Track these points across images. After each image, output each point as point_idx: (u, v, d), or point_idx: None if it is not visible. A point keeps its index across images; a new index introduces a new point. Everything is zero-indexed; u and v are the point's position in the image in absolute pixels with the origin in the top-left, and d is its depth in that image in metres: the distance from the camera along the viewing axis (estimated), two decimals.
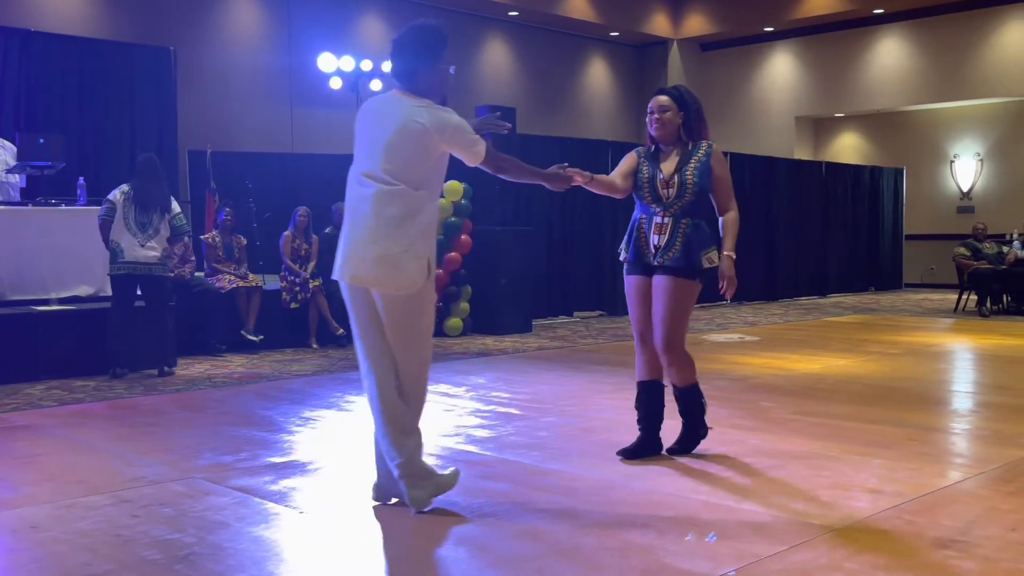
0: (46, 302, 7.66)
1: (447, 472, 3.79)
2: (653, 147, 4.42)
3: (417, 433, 3.68)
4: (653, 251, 4.32)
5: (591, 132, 17.17)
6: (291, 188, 11.04)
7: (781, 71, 18.54)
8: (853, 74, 17.57)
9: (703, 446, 4.56)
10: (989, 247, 12.54)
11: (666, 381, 4.49)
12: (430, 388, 3.91)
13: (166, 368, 7.22)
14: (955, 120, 17.37)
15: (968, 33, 16.23)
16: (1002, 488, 3.96)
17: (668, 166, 4.33)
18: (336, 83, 13.49)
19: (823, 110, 18.33)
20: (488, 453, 4.62)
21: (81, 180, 8.32)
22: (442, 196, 9.31)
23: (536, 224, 11.15)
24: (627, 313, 4.50)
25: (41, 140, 8.25)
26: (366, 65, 13.47)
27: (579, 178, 4.09)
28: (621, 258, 4.49)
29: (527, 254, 10.41)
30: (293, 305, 8.89)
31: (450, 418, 5.44)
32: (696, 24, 18.63)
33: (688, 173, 4.30)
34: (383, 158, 3.62)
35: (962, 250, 12.60)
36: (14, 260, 7.62)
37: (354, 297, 3.76)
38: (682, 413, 4.50)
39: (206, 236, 9.08)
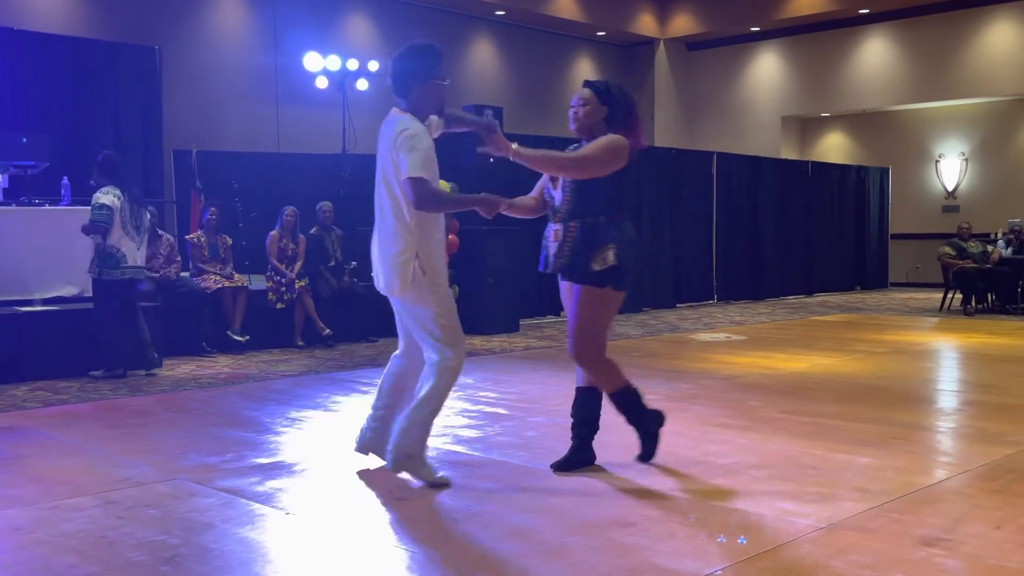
0: (30, 303, 7.61)
1: (438, 475, 4.04)
2: (575, 147, 4.18)
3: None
4: (550, 260, 4.12)
5: None
6: (277, 188, 11.01)
7: (767, 71, 18.60)
8: (839, 74, 17.65)
9: (692, 444, 4.56)
10: (974, 246, 12.61)
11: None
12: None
13: (153, 366, 7.27)
14: (940, 120, 17.46)
15: (953, 33, 16.32)
16: (987, 486, 3.98)
17: None
18: (322, 83, 13.43)
19: (809, 110, 18.40)
20: (476, 453, 4.61)
21: (65, 180, 8.26)
22: None
23: (523, 224, 11.12)
24: (612, 313, 4.39)
25: (24, 139, 8.21)
26: (352, 64, 13.41)
27: (502, 205, 4.02)
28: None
29: (514, 254, 10.41)
30: (279, 305, 8.86)
31: (438, 418, 5.41)
32: (683, 24, 18.67)
33: None
34: (378, 176, 3.99)
35: (947, 249, 12.67)
36: None
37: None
38: (628, 421, 4.28)
39: (191, 236, 9.03)
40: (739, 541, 3.25)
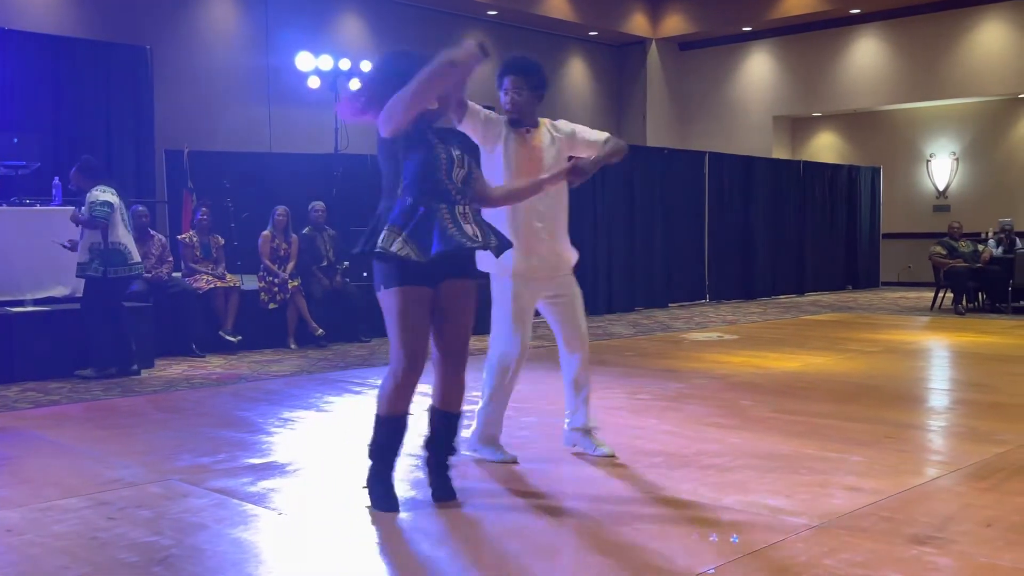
0: (21, 303, 7.58)
1: (504, 455, 4.41)
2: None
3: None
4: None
5: None
6: (269, 188, 10.98)
7: (759, 71, 18.63)
8: (831, 74, 17.69)
9: (684, 443, 4.56)
10: (965, 246, 12.65)
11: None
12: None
13: (138, 366, 7.29)
14: (931, 120, 17.51)
15: (944, 33, 16.37)
16: (977, 484, 4.00)
17: None
18: (314, 82, 13.44)
19: (801, 110, 18.44)
20: (469, 453, 4.61)
21: (56, 180, 8.24)
22: None
23: None
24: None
25: (15, 139, 8.18)
26: (344, 64, 13.42)
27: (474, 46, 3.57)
28: None
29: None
30: (272, 306, 8.85)
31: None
32: (674, 24, 18.69)
33: None
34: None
35: (938, 249, 12.71)
36: None
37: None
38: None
39: (183, 236, 9.01)
40: (731, 540, 3.26)
